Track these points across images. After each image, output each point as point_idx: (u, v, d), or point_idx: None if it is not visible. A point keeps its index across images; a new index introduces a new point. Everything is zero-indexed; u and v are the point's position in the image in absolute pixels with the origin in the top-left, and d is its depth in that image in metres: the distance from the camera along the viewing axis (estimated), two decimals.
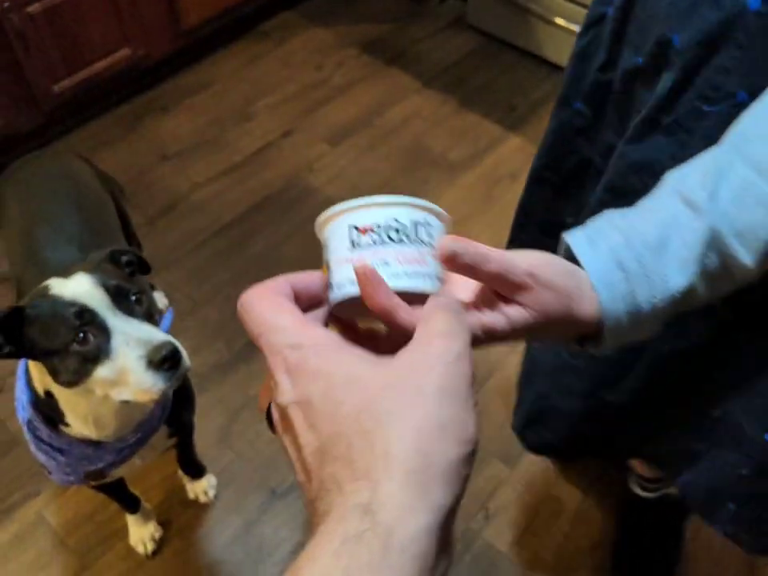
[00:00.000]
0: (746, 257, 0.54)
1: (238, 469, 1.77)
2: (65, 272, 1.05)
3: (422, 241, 0.45)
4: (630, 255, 0.53)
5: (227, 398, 1.88)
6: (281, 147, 2.52)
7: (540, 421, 1.19)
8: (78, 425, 1.13)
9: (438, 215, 0.47)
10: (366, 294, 0.44)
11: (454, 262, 0.47)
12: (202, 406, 1.58)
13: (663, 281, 0.53)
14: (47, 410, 1.14)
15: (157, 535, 1.64)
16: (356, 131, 2.54)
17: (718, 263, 0.54)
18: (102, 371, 0.98)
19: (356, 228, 0.47)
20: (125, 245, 1.53)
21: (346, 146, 2.50)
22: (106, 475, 1.32)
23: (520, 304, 0.50)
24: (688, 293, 0.54)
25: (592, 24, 0.94)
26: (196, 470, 1.70)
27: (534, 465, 1.75)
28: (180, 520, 1.70)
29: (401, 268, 0.44)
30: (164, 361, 0.96)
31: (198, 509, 1.71)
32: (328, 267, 0.49)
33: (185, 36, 2.59)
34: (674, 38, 0.77)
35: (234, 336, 1.96)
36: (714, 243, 0.54)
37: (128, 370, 0.97)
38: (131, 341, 0.98)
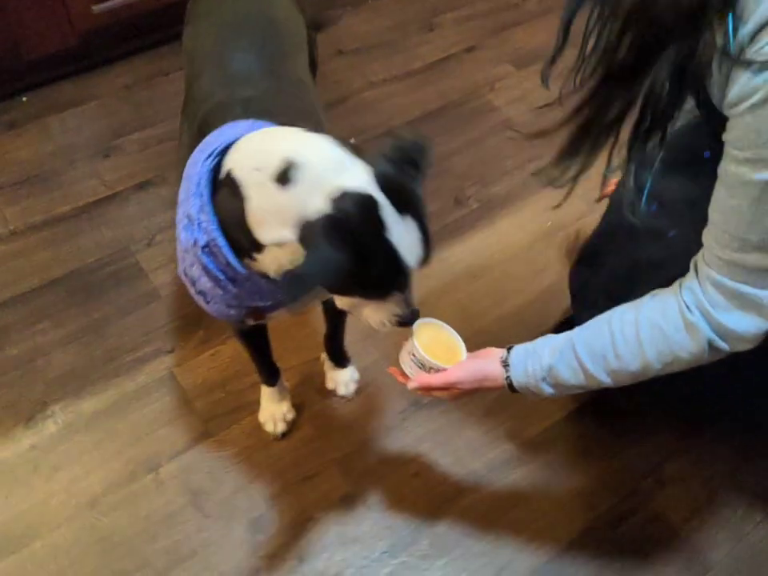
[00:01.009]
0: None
1: (382, 370, 1.60)
2: None
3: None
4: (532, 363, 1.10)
5: None
6: (462, 61, 2.33)
7: None
8: (268, 260, 1.00)
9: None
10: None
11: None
12: None
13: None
14: (239, 237, 1.00)
15: (289, 416, 1.49)
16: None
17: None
18: None
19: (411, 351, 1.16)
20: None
21: (533, 70, 2.28)
22: (266, 316, 1.19)
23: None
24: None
25: None
26: (341, 357, 1.54)
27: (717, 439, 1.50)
28: (314, 408, 1.54)
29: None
30: None
31: (334, 401, 1.55)
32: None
33: None
34: None
35: None
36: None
37: None
38: None
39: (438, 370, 1.12)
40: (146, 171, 1.95)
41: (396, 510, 1.41)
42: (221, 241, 1.01)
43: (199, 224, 1.03)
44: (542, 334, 1.14)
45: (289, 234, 0.90)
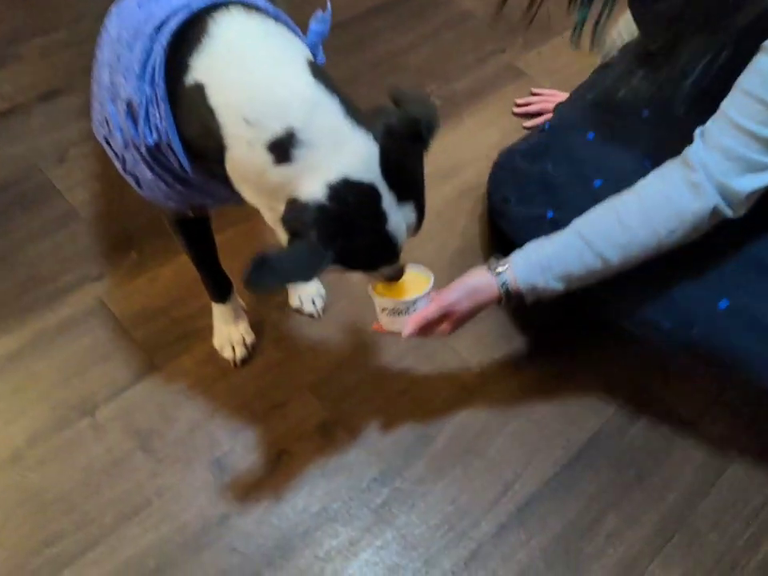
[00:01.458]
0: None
1: (352, 283, 1.41)
2: None
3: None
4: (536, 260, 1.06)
5: None
6: None
7: None
8: (236, 175, 0.84)
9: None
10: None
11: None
12: None
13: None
14: (202, 145, 0.83)
15: (249, 339, 1.27)
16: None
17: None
18: None
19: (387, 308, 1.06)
20: None
21: None
22: (208, 211, 1.06)
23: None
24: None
25: None
26: None
27: None
28: (278, 329, 1.33)
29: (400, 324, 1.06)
30: None
31: (300, 320, 1.34)
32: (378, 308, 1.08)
33: None
34: None
35: None
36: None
37: None
38: None
39: (415, 306, 1.03)
40: (51, 80, 1.65)
41: (383, 432, 1.22)
42: (177, 145, 0.82)
43: (147, 117, 0.82)
44: None
45: (273, 203, 0.80)
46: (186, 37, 0.81)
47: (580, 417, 1.26)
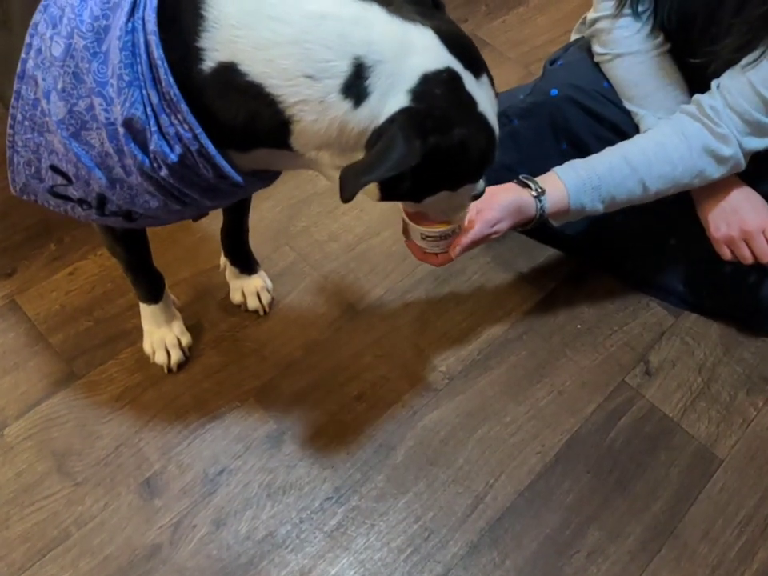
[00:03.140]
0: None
1: (302, 273, 1.26)
2: None
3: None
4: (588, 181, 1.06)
5: (284, 188, 1.37)
6: None
7: None
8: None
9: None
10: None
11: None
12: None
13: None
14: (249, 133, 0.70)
15: (184, 341, 1.12)
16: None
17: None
18: None
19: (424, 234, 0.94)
20: None
21: None
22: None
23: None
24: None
25: None
26: (247, 260, 1.18)
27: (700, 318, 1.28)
28: (218, 329, 1.18)
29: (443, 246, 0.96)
30: None
31: (243, 317, 1.19)
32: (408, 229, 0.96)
33: None
34: None
35: None
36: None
37: None
38: None
39: (455, 231, 0.95)
40: None
41: (338, 443, 1.09)
42: (212, 149, 0.67)
43: (160, 130, 0.66)
44: None
45: (358, 156, 0.69)
46: (169, 17, 0.64)
47: (555, 418, 1.14)
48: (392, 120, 0.66)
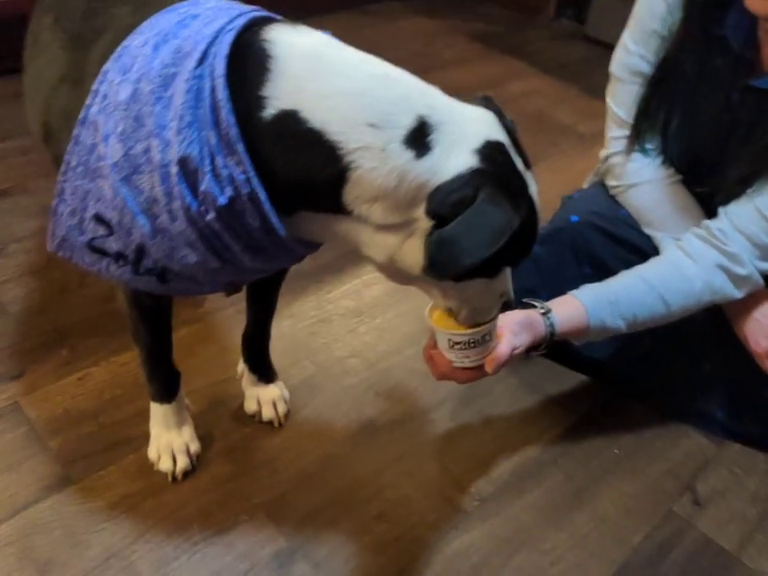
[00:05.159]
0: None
1: (321, 386, 1.20)
2: None
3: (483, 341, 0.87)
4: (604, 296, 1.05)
5: (304, 307, 1.35)
6: None
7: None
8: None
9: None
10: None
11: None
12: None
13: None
14: (303, 182, 0.70)
15: (193, 448, 1.04)
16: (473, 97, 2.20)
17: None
18: None
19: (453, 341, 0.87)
20: None
21: None
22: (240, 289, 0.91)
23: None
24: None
25: None
26: (266, 368, 1.13)
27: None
28: (229, 438, 1.09)
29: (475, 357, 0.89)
30: None
31: (257, 428, 1.11)
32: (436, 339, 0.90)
33: None
34: None
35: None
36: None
37: None
38: None
39: (490, 335, 0.88)
40: (2, 181, 1.54)
41: (355, 566, 0.95)
42: (263, 194, 0.68)
43: (213, 171, 0.67)
44: None
45: (411, 213, 0.68)
46: (235, 69, 0.67)
47: (600, 547, 1.01)
48: (467, 181, 0.66)
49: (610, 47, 1.26)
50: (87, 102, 0.71)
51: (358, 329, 1.32)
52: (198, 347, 1.23)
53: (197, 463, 1.04)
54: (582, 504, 1.08)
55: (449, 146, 0.68)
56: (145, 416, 1.07)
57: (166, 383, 1.02)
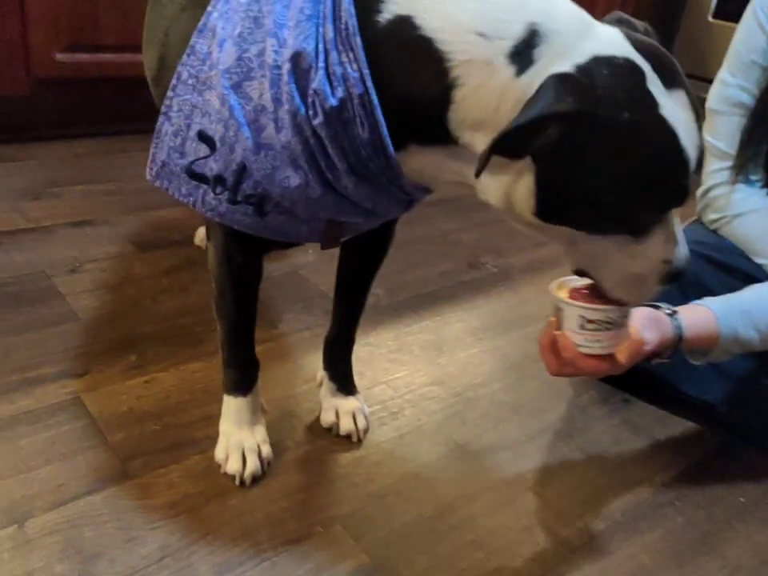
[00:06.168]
0: None
1: (400, 407, 1.08)
2: None
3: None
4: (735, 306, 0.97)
5: (382, 337, 1.26)
6: None
7: None
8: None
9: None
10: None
11: None
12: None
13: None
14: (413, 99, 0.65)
15: (265, 451, 0.93)
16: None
17: None
18: None
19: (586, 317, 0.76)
20: None
21: None
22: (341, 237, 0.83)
23: None
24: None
25: None
26: (346, 377, 1.04)
27: None
28: (303, 449, 0.98)
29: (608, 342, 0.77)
30: None
31: (334, 442, 1.00)
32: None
33: None
34: None
35: (392, 283, 1.41)
36: None
37: None
38: None
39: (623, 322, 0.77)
40: (84, 213, 1.55)
41: None
42: (375, 97, 0.64)
43: (326, 69, 0.64)
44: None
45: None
46: None
47: None
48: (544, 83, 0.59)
49: None
50: (208, 8, 0.70)
51: (439, 360, 1.23)
52: (272, 363, 1.14)
53: (267, 470, 0.93)
54: (710, 550, 0.91)
55: (551, 60, 0.61)
56: (212, 421, 0.97)
57: (243, 370, 0.93)
